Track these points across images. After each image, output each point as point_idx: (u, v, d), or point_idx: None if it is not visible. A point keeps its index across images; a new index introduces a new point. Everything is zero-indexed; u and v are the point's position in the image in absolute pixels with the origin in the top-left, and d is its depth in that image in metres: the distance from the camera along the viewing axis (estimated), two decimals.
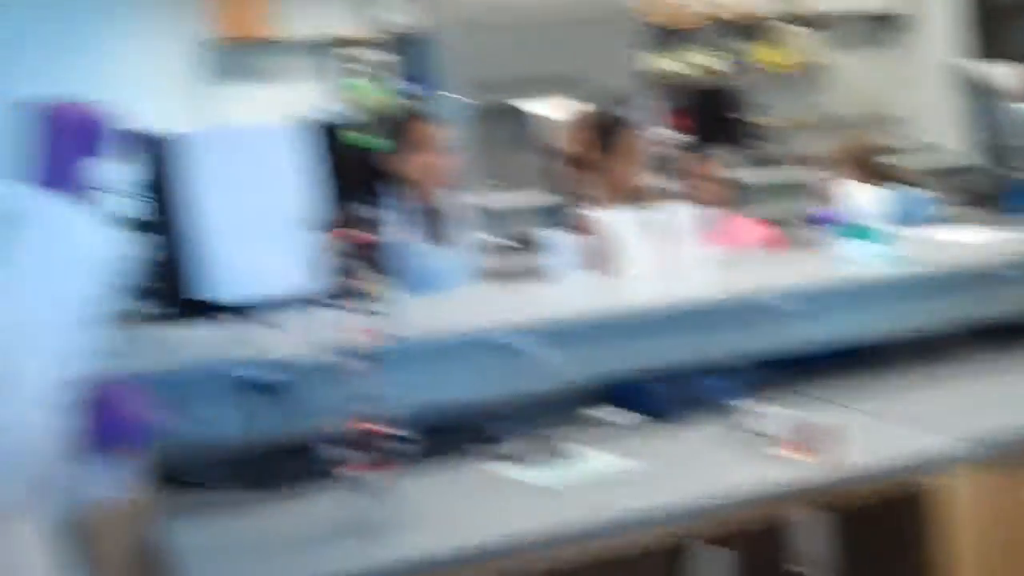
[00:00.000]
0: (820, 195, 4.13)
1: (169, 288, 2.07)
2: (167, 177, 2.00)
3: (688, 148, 5.86)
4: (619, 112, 4.84)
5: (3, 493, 1.35)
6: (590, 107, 3.90)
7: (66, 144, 1.47)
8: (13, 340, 1.33)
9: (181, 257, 2.12)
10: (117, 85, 5.81)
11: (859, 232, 3.17)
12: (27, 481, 1.36)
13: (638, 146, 3.80)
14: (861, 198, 3.27)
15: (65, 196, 1.43)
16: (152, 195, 1.98)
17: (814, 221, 4.24)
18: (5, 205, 1.41)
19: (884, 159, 4.21)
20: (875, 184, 3.71)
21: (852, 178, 3.95)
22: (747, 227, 4.26)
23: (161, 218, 2.08)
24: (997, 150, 5.66)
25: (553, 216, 3.87)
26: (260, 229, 2.22)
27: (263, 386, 2.29)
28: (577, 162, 3.81)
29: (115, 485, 1.56)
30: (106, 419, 1.49)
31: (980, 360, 3.09)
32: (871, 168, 4.06)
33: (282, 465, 2.32)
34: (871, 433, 2.54)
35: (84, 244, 1.43)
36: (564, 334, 2.66)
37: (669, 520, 2.20)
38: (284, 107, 7.68)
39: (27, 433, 1.33)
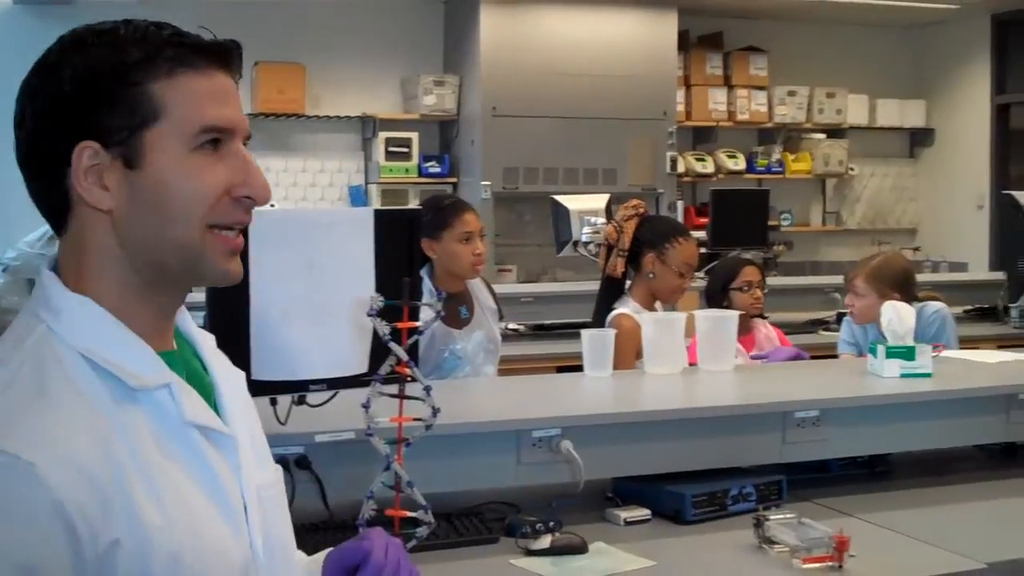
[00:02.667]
0: (851, 307, 4.14)
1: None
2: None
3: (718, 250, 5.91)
4: (665, 213, 4.86)
5: None
6: (636, 205, 3.90)
7: None
8: None
9: (247, 336, 2.16)
10: None
11: (890, 348, 3.19)
12: None
13: (683, 250, 3.84)
14: (892, 313, 3.29)
15: None
16: None
17: (846, 335, 4.28)
18: None
19: (912, 273, 4.22)
20: (904, 299, 3.73)
21: (880, 291, 3.97)
22: (775, 334, 4.28)
23: (232, 295, 2.11)
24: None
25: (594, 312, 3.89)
26: (314, 311, 2.26)
27: (297, 462, 2.33)
28: (618, 259, 3.82)
29: None
30: None
31: (999, 481, 3.09)
32: (901, 283, 4.06)
33: (306, 541, 2.33)
34: (894, 548, 2.53)
35: None
36: (589, 430, 2.68)
37: None
38: (317, 178, 7.86)
39: None
